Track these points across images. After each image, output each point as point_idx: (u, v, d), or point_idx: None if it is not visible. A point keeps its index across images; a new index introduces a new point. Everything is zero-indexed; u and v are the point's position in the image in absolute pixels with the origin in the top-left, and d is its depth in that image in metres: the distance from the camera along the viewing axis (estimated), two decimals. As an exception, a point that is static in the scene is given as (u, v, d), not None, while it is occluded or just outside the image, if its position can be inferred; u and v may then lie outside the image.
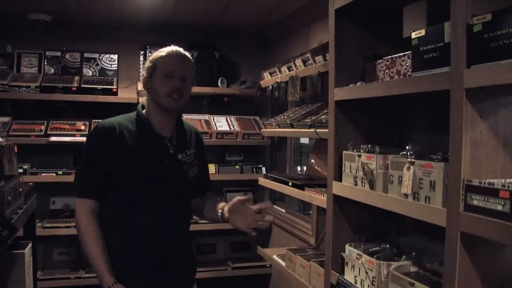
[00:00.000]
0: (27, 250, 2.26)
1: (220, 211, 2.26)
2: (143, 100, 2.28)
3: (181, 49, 2.20)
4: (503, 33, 1.33)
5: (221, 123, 4.48)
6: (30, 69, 4.25)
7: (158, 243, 2.15)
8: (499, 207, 1.31)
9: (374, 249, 2.07)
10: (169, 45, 2.21)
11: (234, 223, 2.21)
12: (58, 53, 4.30)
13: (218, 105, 4.70)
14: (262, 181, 3.59)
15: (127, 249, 2.13)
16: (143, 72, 2.24)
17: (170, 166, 2.19)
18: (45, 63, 4.26)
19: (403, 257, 1.98)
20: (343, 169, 2.18)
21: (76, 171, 2.24)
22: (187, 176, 2.24)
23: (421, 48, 1.70)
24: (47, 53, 4.28)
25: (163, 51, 2.17)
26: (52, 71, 4.26)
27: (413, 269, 1.90)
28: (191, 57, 2.22)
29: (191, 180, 2.27)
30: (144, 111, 2.22)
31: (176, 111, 2.21)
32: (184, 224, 2.31)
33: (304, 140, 4.10)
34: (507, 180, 1.40)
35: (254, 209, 2.18)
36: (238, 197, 2.23)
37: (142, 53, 4.25)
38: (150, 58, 2.20)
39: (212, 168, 4.31)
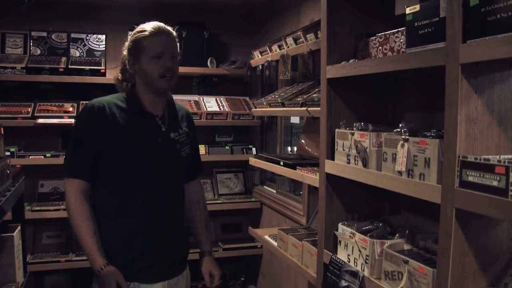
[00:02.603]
0: (16, 233, 2.24)
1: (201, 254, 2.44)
2: (117, 76, 2.23)
3: (163, 25, 2.16)
4: (501, 6, 1.31)
5: (211, 103, 4.44)
6: (15, 49, 4.17)
7: (151, 225, 2.14)
8: (495, 183, 1.30)
9: (367, 227, 2.07)
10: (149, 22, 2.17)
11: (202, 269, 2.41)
12: (44, 34, 4.21)
13: (207, 86, 4.66)
14: (253, 161, 3.57)
15: (120, 231, 2.11)
16: (124, 53, 2.19)
17: (163, 145, 2.16)
18: (31, 43, 4.18)
19: (396, 235, 1.98)
20: (335, 148, 2.16)
21: (65, 151, 2.21)
22: (180, 155, 2.22)
23: (416, 24, 1.68)
24: (33, 33, 4.19)
25: (146, 30, 2.12)
26: (38, 52, 4.18)
27: (406, 247, 1.90)
28: (173, 31, 2.18)
29: (184, 159, 2.25)
30: (134, 89, 2.18)
31: (168, 91, 2.19)
32: (177, 205, 2.29)
33: (295, 120, 4.08)
34: (502, 156, 1.40)
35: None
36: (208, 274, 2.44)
37: (130, 33, 4.16)
38: (132, 38, 2.15)
39: (202, 149, 4.28)
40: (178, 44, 2.19)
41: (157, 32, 2.12)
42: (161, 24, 2.16)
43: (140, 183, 2.12)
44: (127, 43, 2.19)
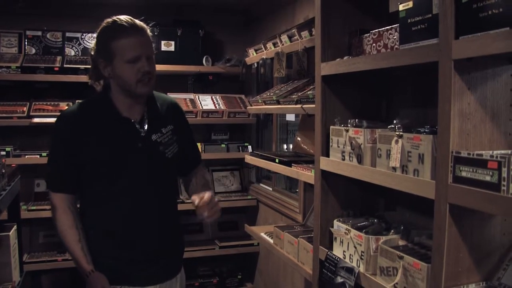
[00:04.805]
0: (12, 233, 2.24)
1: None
2: (90, 76, 2.10)
3: (136, 22, 1.96)
4: (492, 3, 1.32)
5: (206, 101, 4.44)
6: (10, 49, 4.16)
7: (140, 231, 2.06)
8: (488, 178, 1.31)
9: (362, 224, 2.08)
10: (115, 17, 1.98)
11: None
12: (39, 33, 4.20)
13: (203, 84, 4.65)
14: (249, 159, 3.57)
15: (107, 238, 2.04)
16: (93, 53, 2.04)
17: (144, 149, 2.05)
18: (26, 43, 4.17)
19: (391, 231, 1.99)
20: (330, 144, 2.17)
21: (46, 164, 2.11)
22: (164, 157, 2.10)
23: (409, 20, 1.68)
24: (28, 32, 4.18)
25: (117, 29, 1.93)
26: (33, 51, 4.17)
27: (401, 243, 1.91)
28: (146, 27, 1.99)
29: (169, 160, 2.13)
30: (108, 93, 2.06)
31: (148, 95, 2.07)
32: (168, 207, 2.19)
33: (290, 118, 4.09)
34: (495, 152, 1.41)
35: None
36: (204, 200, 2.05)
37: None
38: (102, 39, 1.97)
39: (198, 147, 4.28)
40: (152, 40, 2.03)
41: (130, 32, 1.92)
42: (133, 21, 1.96)
43: (123, 192, 2.03)
44: (94, 42, 2.04)
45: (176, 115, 2.22)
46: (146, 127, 2.07)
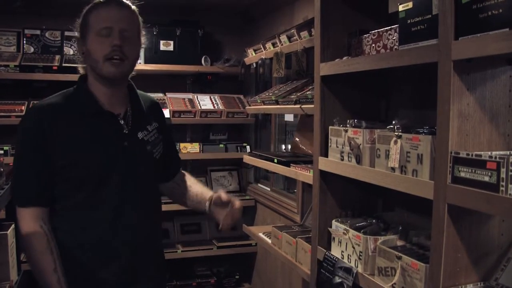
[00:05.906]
0: (10, 231, 2.23)
1: (207, 203, 1.95)
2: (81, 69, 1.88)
3: None
4: (492, 3, 1.33)
5: (205, 101, 4.44)
6: (8, 47, 4.15)
7: (123, 246, 1.79)
8: (486, 178, 1.31)
9: (360, 224, 2.08)
10: None
11: (217, 218, 1.93)
12: (38, 32, 4.19)
13: (201, 84, 4.65)
14: (247, 159, 3.57)
15: (86, 258, 1.76)
16: (76, 32, 1.84)
17: (131, 149, 1.79)
18: (24, 41, 4.16)
19: (390, 231, 2.00)
20: (329, 145, 2.17)
21: (12, 174, 1.79)
22: (152, 157, 1.85)
23: (409, 21, 1.69)
24: (26, 31, 4.17)
25: (96, 2, 1.73)
26: (32, 50, 4.17)
27: (399, 243, 1.92)
28: (133, 7, 1.78)
29: (157, 162, 1.88)
30: (87, 83, 1.82)
31: (118, 79, 1.77)
32: (153, 218, 1.92)
33: (289, 118, 4.09)
34: (494, 152, 1.41)
35: (234, 207, 1.87)
36: (221, 193, 1.90)
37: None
38: (81, 15, 1.78)
39: (196, 147, 4.29)
40: (139, 22, 1.80)
41: (107, 2, 1.71)
42: None
43: (108, 199, 1.75)
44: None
45: (159, 114, 2.00)
46: (130, 123, 1.82)
